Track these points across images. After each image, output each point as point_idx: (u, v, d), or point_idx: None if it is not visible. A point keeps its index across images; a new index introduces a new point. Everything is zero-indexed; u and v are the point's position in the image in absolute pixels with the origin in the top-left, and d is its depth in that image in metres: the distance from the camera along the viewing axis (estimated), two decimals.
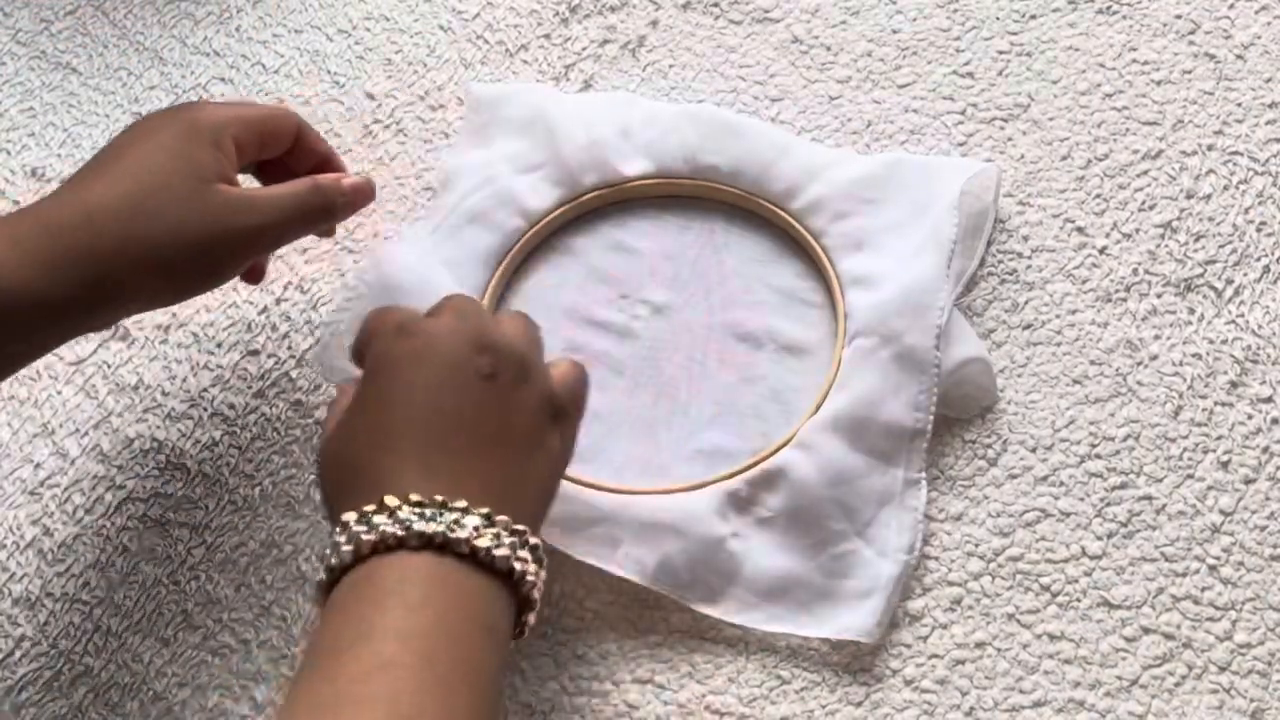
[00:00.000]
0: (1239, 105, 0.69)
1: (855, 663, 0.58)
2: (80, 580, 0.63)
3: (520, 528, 0.48)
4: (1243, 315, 0.64)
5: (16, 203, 0.75)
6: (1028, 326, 0.65)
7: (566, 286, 0.68)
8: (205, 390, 0.68)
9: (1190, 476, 0.60)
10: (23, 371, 0.69)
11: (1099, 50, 0.72)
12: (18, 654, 0.62)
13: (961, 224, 0.65)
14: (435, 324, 0.52)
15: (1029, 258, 0.66)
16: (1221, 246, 0.66)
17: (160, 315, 0.70)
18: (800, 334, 0.65)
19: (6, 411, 0.68)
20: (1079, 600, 0.58)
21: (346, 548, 0.46)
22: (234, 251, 0.57)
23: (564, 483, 0.60)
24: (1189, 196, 0.67)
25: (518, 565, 0.47)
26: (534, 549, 0.48)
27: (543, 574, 0.49)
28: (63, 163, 0.76)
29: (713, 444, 0.62)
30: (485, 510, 0.47)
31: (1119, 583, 0.59)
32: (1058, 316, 0.65)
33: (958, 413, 0.62)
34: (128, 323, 0.69)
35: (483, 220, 0.67)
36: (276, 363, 0.68)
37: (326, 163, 0.62)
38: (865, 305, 0.63)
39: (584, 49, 0.76)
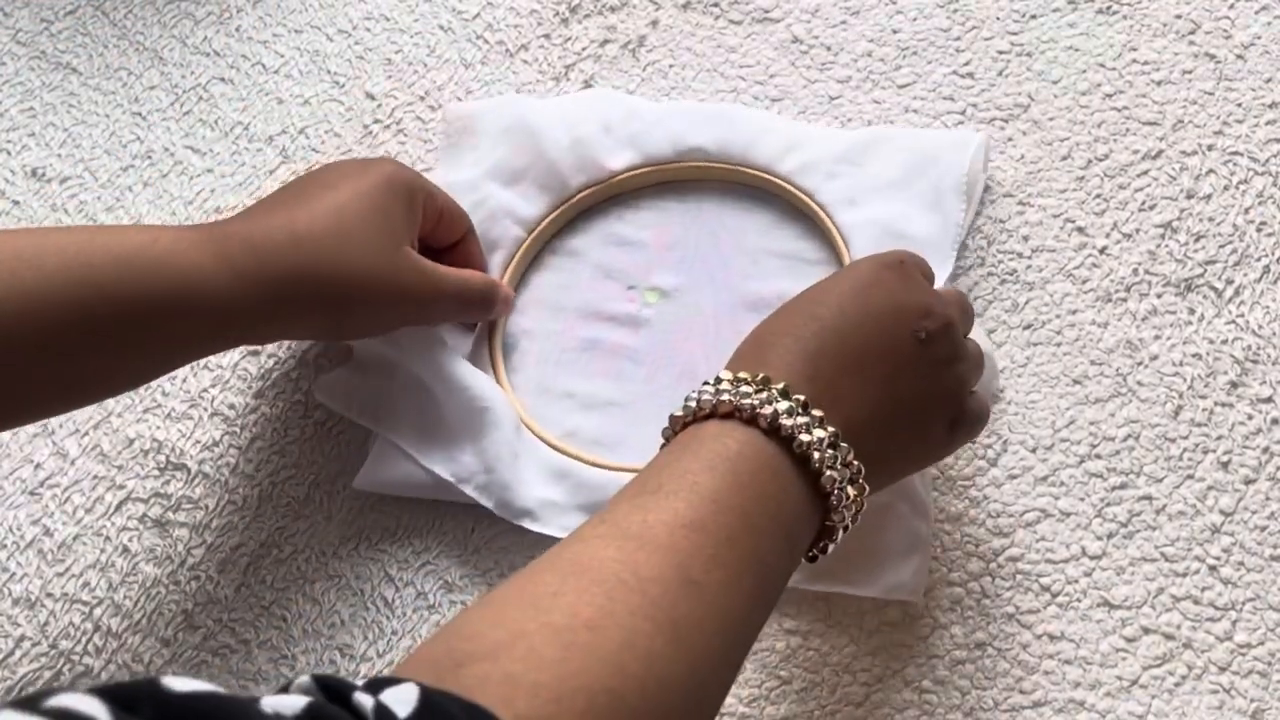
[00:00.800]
0: (1239, 105, 0.69)
1: (855, 663, 0.58)
2: (80, 580, 0.63)
3: (858, 465, 0.49)
4: (1243, 315, 0.64)
5: (16, 203, 0.75)
6: (1028, 326, 0.65)
7: (573, 286, 0.68)
8: (205, 390, 0.68)
9: (1190, 477, 0.60)
10: None
11: (1099, 50, 0.72)
12: (18, 654, 0.62)
13: (970, 213, 0.66)
14: (902, 274, 0.53)
15: (1029, 258, 0.66)
16: (1222, 246, 0.66)
17: None
18: None
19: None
20: (1079, 600, 0.58)
21: (707, 397, 0.49)
22: (404, 314, 0.60)
23: (598, 470, 0.61)
24: (1189, 196, 0.67)
25: (837, 492, 0.48)
26: (860, 489, 0.49)
27: (850, 521, 0.50)
28: (63, 163, 0.76)
29: None
30: (835, 431, 0.48)
31: (1119, 583, 0.59)
32: (1058, 316, 0.65)
33: None
34: None
35: (481, 240, 0.67)
36: (276, 363, 0.68)
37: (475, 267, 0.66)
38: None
39: (584, 49, 0.76)
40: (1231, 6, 0.72)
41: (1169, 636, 0.57)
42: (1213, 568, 0.58)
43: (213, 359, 0.68)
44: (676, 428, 0.50)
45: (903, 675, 0.58)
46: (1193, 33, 0.72)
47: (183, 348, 0.56)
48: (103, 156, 0.77)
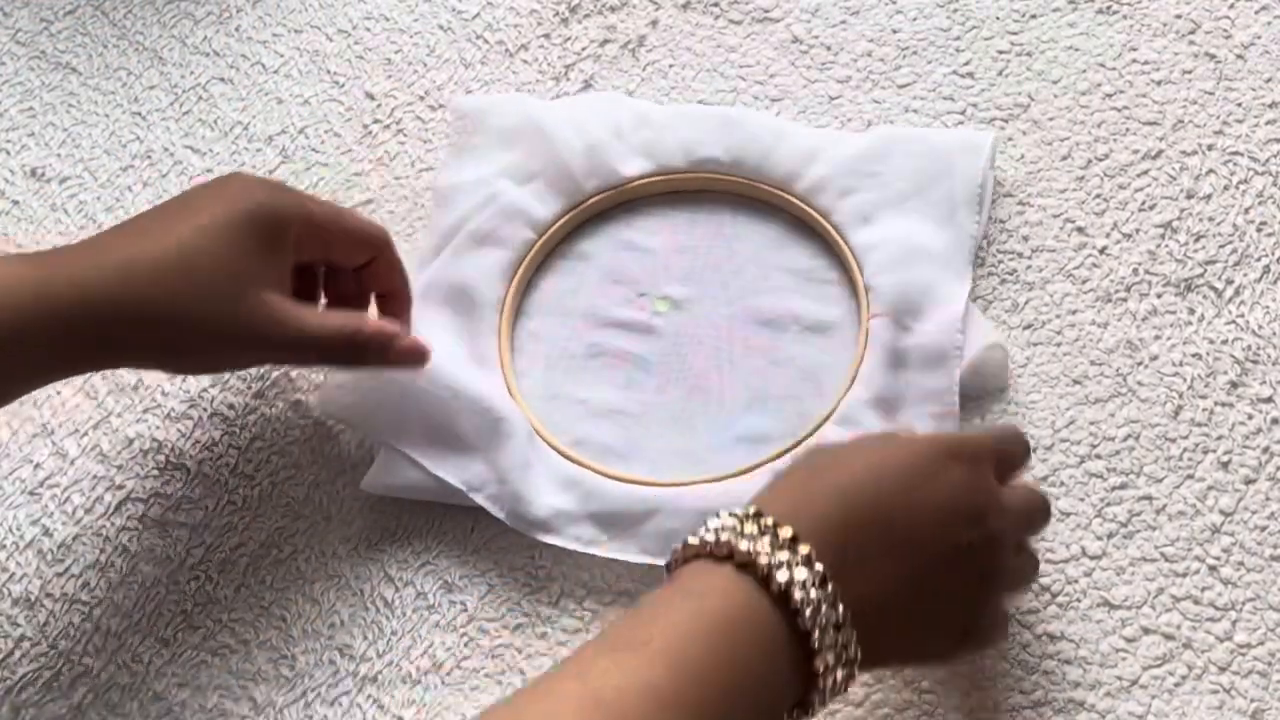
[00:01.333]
0: (1239, 105, 0.69)
1: None
2: (80, 580, 0.63)
3: (857, 654, 0.46)
4: (1243, 315, 0.64)
5: (16, 203, 0.75)
6: (1028, 326, 0.65)
7: (583, 291, 0.68)
8: (205, 390, 0.67)
9: (1190, 477, 0.60)
10: None
11: (1099, 50, 0.72)
12: (18, 654, 0.62)
13: (982, 223, 0.66)
14: (972, 470, 0.50)
15: (1029, 258, 0.66)
16: (1222, 246, 0.66)
17: None
18: (822, 312, 0.65)
19: (6, 411, 0.68)
20: (1079, 600, 0.58)
21: (727, 536, 0.46)
22: (253, 357, 0.59)
23: (611, 481, 0.61)
24: (1189, 196, 0.67)
25: (828, 680, 0.46)
26: (849, 677, 0.47)
27: (839, 671, 0.46)
28: (62, 162, 0.76)
29: (751, 429, 0.63)
30: (845, 614, 0.45)
31: (1119, 583, 0.59)
32: (1058, 316, 0.65)
33: (973, 392, 0.63)
34: None
35: (492, 239, 0.67)
36: None
37: (393, 297, 0.62)
38: (887, 284, 0.64)
39: (584, 49, 0.76)
40: (1231, 6, 0.72)
41: (1169, 637, 0.57)
42: (1213, 568, 0.58)
43: None
44: (689, 555, 0.47)
45: (902, 675, 0.57)
46: (1193, 32, 0.72)
47: (5, 384, 0.55)
48: (102, 156, 0.76)
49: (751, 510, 0.47)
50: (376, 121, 0.75)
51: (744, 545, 0.45)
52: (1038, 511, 0.54)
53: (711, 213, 0.69)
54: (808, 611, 0.44)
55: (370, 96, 0.76)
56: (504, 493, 0.61)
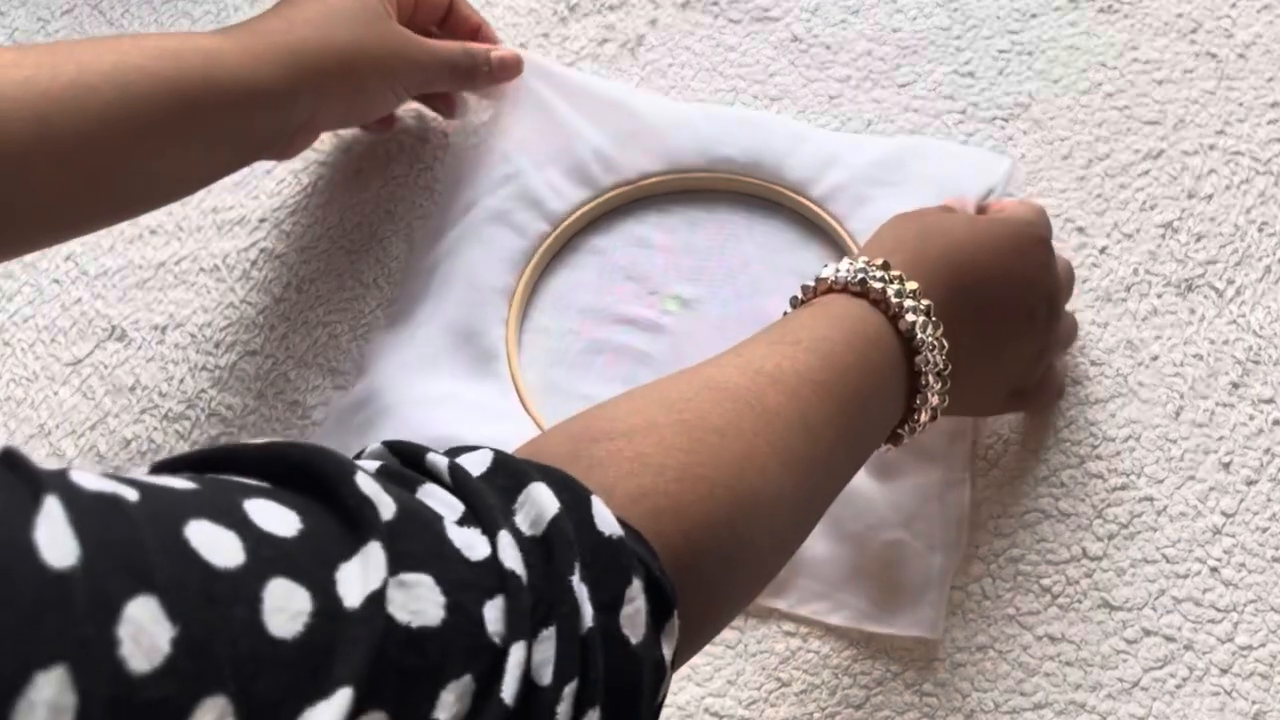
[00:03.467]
0: (1240, 105, 0.69)
1: (855, 665, 0.58)
2: None
3: (943, 398, 0.53)
4: (1244, 316, 0.64)
5: None
6: None
7: (594, 286, 0.68)
8: (203, 391, 0.67)
9: (1191, 478, 0.60)
10: (19, 372, 0.68)
11: (1100, 49, 0.72)
12: None
13: None
14: (1047, 254, 0.58)
15: None
16: (1223, 247, 0.65)
17: (157, 316, 0.69)
18: None
19: (3, 412, 0.68)
20: (1080, 602, 0.58)
21: (856, 275, 0.52)
22: (397, 74, 0.65)
23: None
24: (1190, 196, 0.67)
25: (930, 400, 0.53)
26: (940, 405, 0.53)
27: (920, 429, 0.54)
28: None
29: None
30: (947, 351, 0.52)
31: (1120, 584, 0.58)
32: None
33: None
34: (125, 323, 0.69)
35: (505, 220, 0.67)
36: (275, 363, 0.68)
37: (478, 33, 0.71)
38: None
39: (583, 48, 0.75)
40: (1233, 6, 0.72)
41: (1170, 638, 0.57)
42: (1214, 569, 0.58)
43: (210, 359, 0.68)
44: (821, 289, 0.53)
45: (903, 678, 0.57)
46: (1194, 32, 0.71)
47: (235, 134, 0.60)
48: None
49: (880, 261, 0.53)
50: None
51: (878, 286, 0.51)
52: (1072, 280, 0.61)
53: (726, 213, 0.69)
54: (924, 353, 0.51)
55: None
56: None
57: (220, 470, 0.33)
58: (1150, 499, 0.60)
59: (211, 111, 0.58)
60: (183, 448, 0.66)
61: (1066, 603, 0.58)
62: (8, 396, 0.68)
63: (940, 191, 0.66)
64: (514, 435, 0.50)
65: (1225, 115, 0.69)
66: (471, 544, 0.33)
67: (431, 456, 0.36)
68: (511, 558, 0.33)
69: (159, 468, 0.34)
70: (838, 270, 0.53)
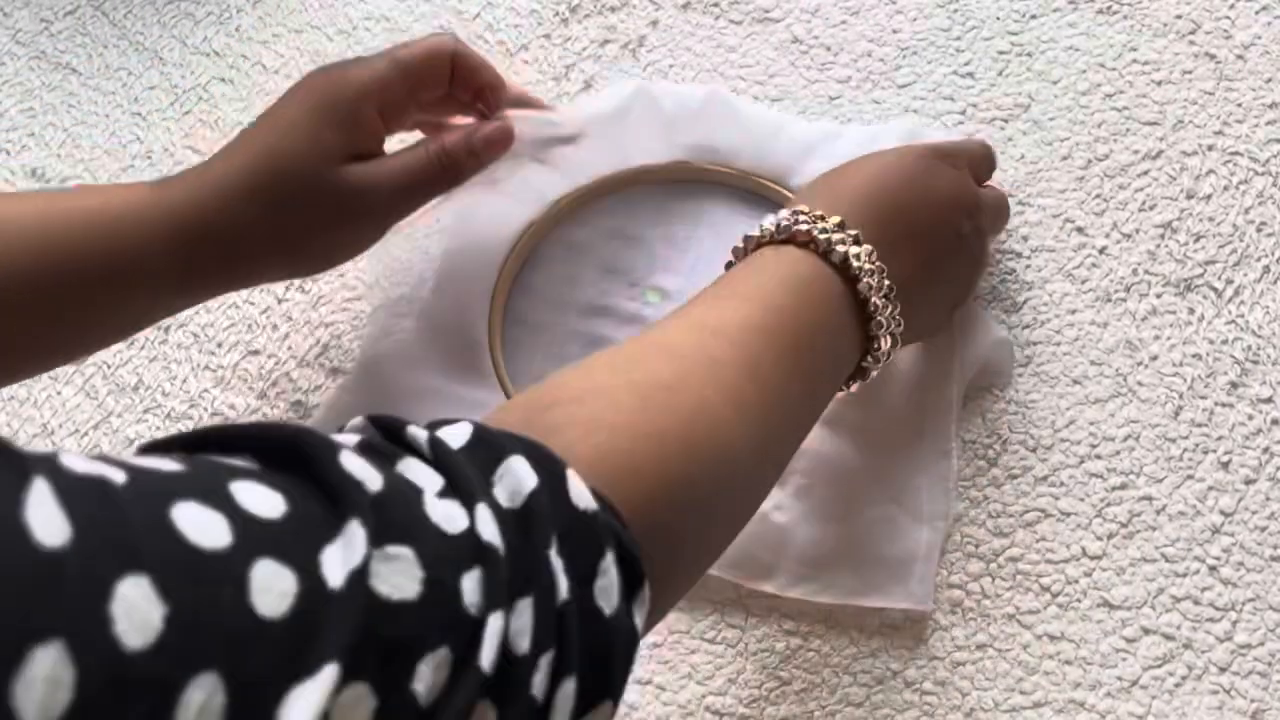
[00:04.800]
0: (1239, 105, 0.69)
1: (855, 664, 0.58)
2: None
3: (900, 320, 0.54)
4: (1243, 315, 0.64)
5: None
6: (1027, 326, 0.65)
7: (576, 279, 0.68)
8: (205, 391, 0.67)
9: (1190, 477, 0.60)
10: None
11: (1099, 50, 0.72)
12: None
13: None
14: (954, 170, 0.58)
15: (1029, 258, 0.66)
16: (1221, 247, 0.66)
17: None
18: None
19: (6, 412, 0.68)
20: (1079, 601, 0.58)
21: (786, 224, 0.53)
22: (360, 235, 0.59)
23: None
24: (1189, 197, 0.67)
25: (882, 338, 0.53)
26: (894, 343, 0.54)
27: (888, 335, 0.54)
28: (62, 163, 0.76)
29: None
30: (890, 285, 0.53)
31: (1119, 583, 0.59)
32: (1057, 316, 0.65)
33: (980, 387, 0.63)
34: None
35: (500, 202, 0.67)
36: (277, 363, 0.68)
37: (485, 92, 0.62)
38: None
39: (584, 49, 0.76)
40: (1232, 6, 0.72)
41: (1169, 637, 0.57)
42: (1213, 568, 0.58)
43: (213, 359, 0.68)
44: (751, 246, 0.54)
45: (903, 676, 0.58)
46: (1193, 33, 0.72)
47: (134, 311, 0.56)
48: (103, 157, 0.76)
49: (803, 207, 0.53)
50: None
51: (804, 228, 0.52)
52: (1004, 210, 0.63)
53: (708, 204, 0.69)
54: (865, 280, 0.52)
55: None
56: None
57: (209, 450, 0.33)
58: (1149, 498, 0.60)
59: (92, 287, 0.53)
60: None
61: (1066, 601, 0.58)
62: (11, 396, 0.68)
63: None
64: None
65: (1224, 116, 0.69)
66: (450, 516, 0.34)
67: (412, 429, 0.37)
68: (490, 530, 0.34)
69: (149, 448, 0.34)
70: (763, 224, 0.54)
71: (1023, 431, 0.62)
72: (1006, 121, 0.70)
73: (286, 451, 0.33)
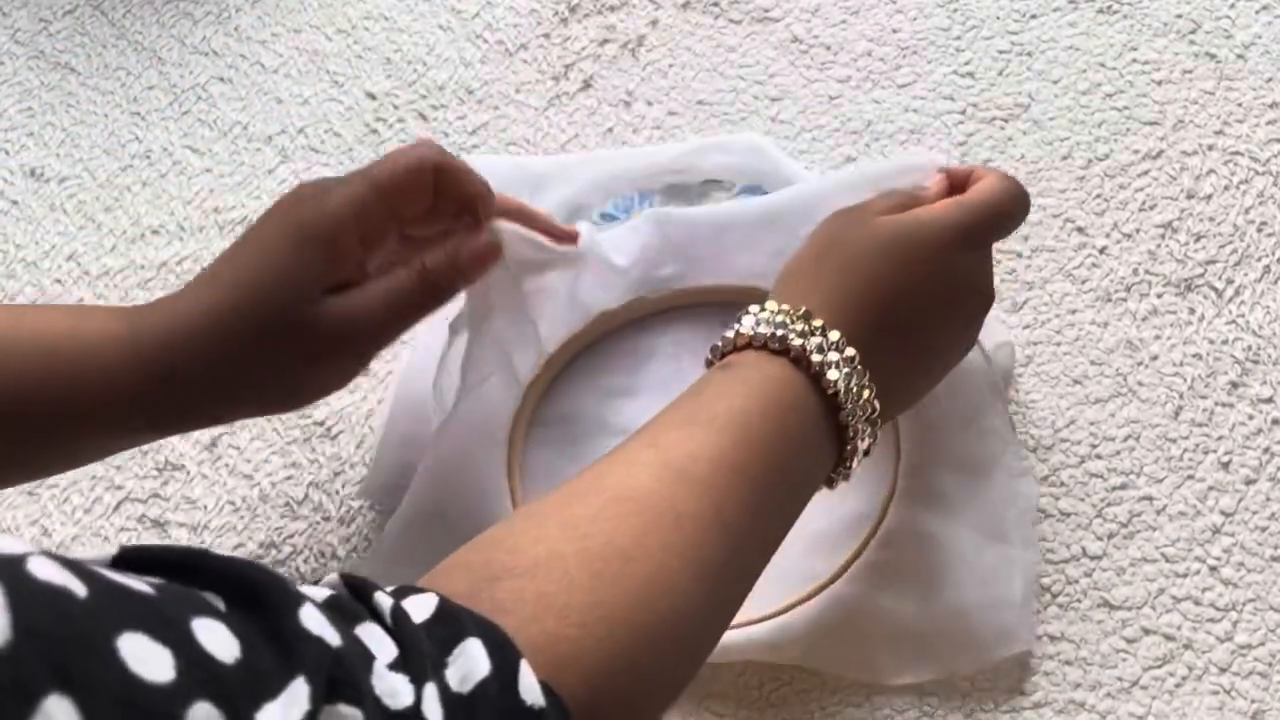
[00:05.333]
0: (1240, 105, 0.69)
1: None
2: None
3: (875, 428, 0.51)
4: (1243, 315, 0.64)
5: (15, 203, 0.75)
6: (1027, 326, 0.65)
7: (575, 458, 0.63)
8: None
9: (1191, 477, 0.60)
10: None
11: (1099, 50, 0.72)
12: None
13: None
14: (982, 259, 0.55)
15: (1029, 257, 0.66)
16: (1222, 246, 0.66)
17: None
18: None
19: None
20: (1079, 601, 0.58)
21: (760, 328, 0.50)
22: (341, 371, 0.54)
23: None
24: (1189, 196, 0.67)
25: (857, 445, 0.51)
26: (873, 440, 0.51)
27: (861, 454, 0.51)
28: (61, 162, 0.76)
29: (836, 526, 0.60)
30: (871, 388, 0.50)
31: (1119, 583, 0.59)
32: (1057, 316, 0.65)
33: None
34: None
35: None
36: None
37: (473, 203, 0.56)
38: None
39: (583, 48, 0.76)
40: (1232, 6, 0.72)
41: (1169, 637, 0.57)
42: (1213, 568, 0.58)
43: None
44: (734, 345, 0.51)
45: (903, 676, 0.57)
46: (1193, 32, 0.71)
47: (99, 445, 0.54)
48: (101, 156, 0.76)
49: (800, 310, 0.50)
50: (379, 120, 0.75)
51: (798, 343, 0.49)
52: (1017, 214, 0.56)
53: (686, 328, 0.64)
54: (849, 405, 0.49)
55: (370, 96, 0.76)
56: None
57: (187, 576, 0.33)
58: (1150, 498, 0.60)
59: (58, 419, 0.51)
60: (184, 447, 0.66)
61: (1066, 602, 0.58)
62: None
63: None
64: None
65: (1224, 116, 0.69)
66: (396, 690, 0.33)
67: (378, 595, 0.36)
68: (434, 711, 0.34)
69: (128, 558, 0.33)
70: (755, 324, 0.50)
71: (1023, 431, 0.62)
72: (1006, 121, 0.70)
73: (253, 597, 0.33)
